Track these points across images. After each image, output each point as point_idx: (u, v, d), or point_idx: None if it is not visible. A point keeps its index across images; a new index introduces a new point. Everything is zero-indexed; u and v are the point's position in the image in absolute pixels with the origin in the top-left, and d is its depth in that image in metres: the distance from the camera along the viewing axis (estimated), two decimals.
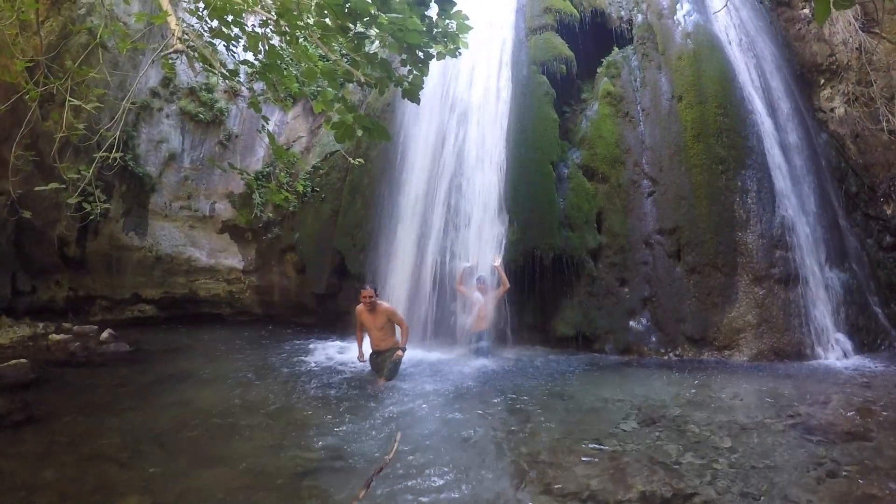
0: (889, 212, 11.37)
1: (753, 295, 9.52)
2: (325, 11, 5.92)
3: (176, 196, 13.76)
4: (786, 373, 8.45)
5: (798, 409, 6.53)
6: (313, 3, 5.90)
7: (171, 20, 6.70)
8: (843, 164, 11.86)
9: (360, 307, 8.90)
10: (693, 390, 7.52)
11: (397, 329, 8.88)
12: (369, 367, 8.88)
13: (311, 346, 11.12)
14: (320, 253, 12.81)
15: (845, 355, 9.31)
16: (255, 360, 9.99)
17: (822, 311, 9.62)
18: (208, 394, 7.75)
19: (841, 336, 9.57)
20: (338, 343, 11.22)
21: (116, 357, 10.18)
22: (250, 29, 7.65)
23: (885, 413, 6.33)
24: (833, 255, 10.32)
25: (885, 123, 11.40)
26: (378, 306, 8.81)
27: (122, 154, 9.78)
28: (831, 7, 3.71)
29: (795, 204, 10.22)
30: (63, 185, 7.78)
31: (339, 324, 12.34)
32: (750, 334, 9.37)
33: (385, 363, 8.55)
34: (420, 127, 12.18)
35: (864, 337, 9.77)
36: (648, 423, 6.18)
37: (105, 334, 11.19)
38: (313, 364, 9.61)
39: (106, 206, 11.22)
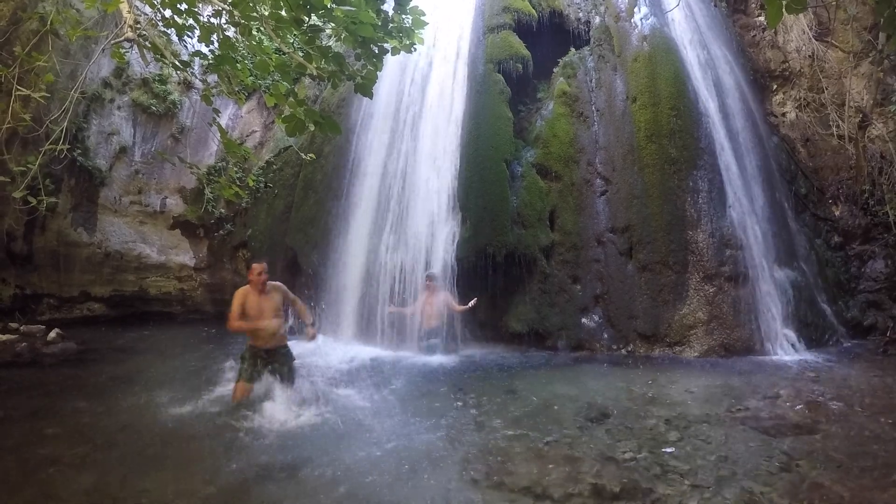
0: (837, 213, 11.64)
1: (704, 292, 9.65)
2: (280, 3, 5.85)
3: (126, 190, 13.36)
4: (736, 368, 8.58)
5: (748, 403, 6.64)
6: None
7: (124, 7, 6.55)
8: (794, 166, 12.11)
9: (243, 289, 6.97)
10: (644, 386, 7.58)
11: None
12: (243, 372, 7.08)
13: None
14: (273, 249, 12.60)
15: (794, 350, 9.55)
16: (206, 361, 9.67)
17: (772, 308, 9.84)
18: (159, 395, 7.47)
19: (790, 332, 9.79)
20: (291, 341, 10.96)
21: (64, 357, 9.84)
22: (204, 19, 7.54)
23: (833, 406, 6.48)
24: (782, 254, 10.57)
25: (834, 128, 11.70)
26: (271, 286, 7.10)
27: (69, 147, 9.58)
28: (784, 12, 3.77)
29: (746, 204, 10.41)
30: (9, 179, 7.53)
31: (294, 321, 12.09)
32: (700, 331, 9.51)
33: (285, 365, 7.09)
34: (375, 123, 12.10)
35: (813, 333, 10.02)
36: (600, 419, 6.17)
37: (53, 334, 10.88)
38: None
39: (53, 200, 10.99)
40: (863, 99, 11.36)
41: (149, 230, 13.71)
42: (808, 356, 9.25)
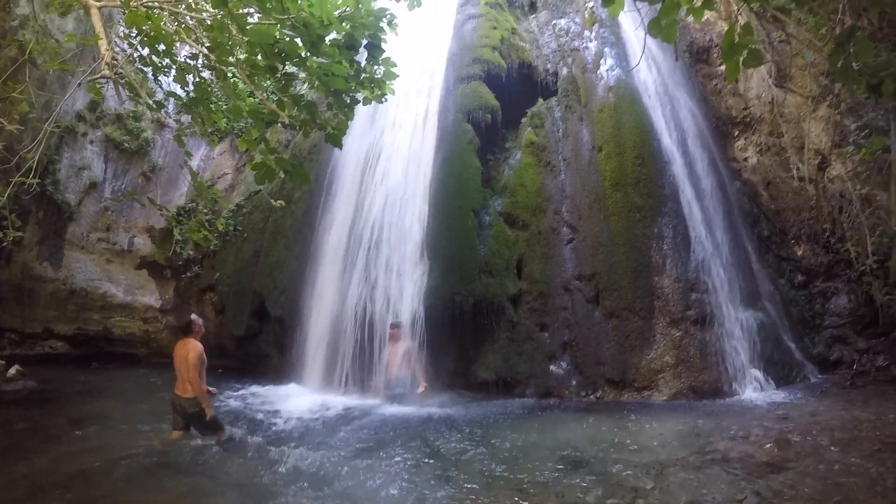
0: (800, 252, 11.87)
1: (671, 336, 9.77)
2: (256, 49, 5.89)
3: (94, 227, 13.21)
4: (705, 410, 8.67)
5: (718, 444, 6.70)
6: (245, 40, 5.84)
7: (102, 44, 6.52)
8: (756, 209, 12.37)
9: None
10: (614, 431, 7.62)
11: None
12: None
13: (227, 390, 10.71)
14: (241, 294, 12.52)
15: (762, 389, 9.65)
16: (167, 406, 9.59)
17: (738, 349, 9.97)
18: (121, 440, 7.43)
19: (757, 372, 9.90)
20: (254, 388, 10.93)
21: (24, 396, 9.75)
22: (181, 60, 7.57)
23: (802, 442, 6.56)
24: (747, 296, 10.72)
25: (795, 171, 11.97)
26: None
27: (40, 181, 9.50)
28: (741, 66, 3.91)
29: (710, 248, 10.60)
30: None
31: (258, 367, 12.06)
32: (668, 374, 9.60)
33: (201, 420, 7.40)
34: (345, 170, 12.19)
35: (780, 371, 10.14)
36: (570, 468, 6.21)
37: (12, 370, 10.67)
38: (226, 410, 9.27)
39: (19, 234, 10.86)
40: (821, 141, 11.62)
41: (115, 269, 13.52)
42: (777, 394, 9.40)
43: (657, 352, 9.74)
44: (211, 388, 7.83)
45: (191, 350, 7.38)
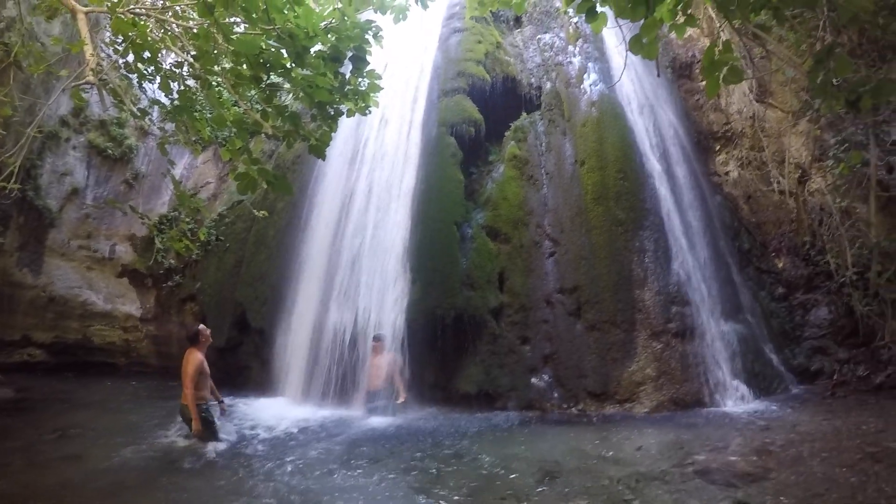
0: (780, 265, 11.99)
1: (652, 349, 9.82)
2: (241, 59, 5.90)
3: (75, 234, 13.08)
4: (686, 422, 8.69)
5: (699, 456, 6.71)
6: (230, 50, 5.85)
7: (88, 49, 6.50)
8: (737, 223, 12.49)
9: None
10: (596, 444, 7.63)
11: None
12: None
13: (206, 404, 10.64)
14: (222, 304, 12.43)
15: (743, 401, 9.69)
16: (149, 417, 9.52)
17: (719, 361, 10.04)
18: (99, 451, 7.40)
19: (738, 383, 9.96)
20: (234, 400, 10.72)
21: (1, 405, 9.64)
22: (167, 68, 7.56)
23: (783, 452, 6.62)
24: (728, 308, 10.81)
25: (775, 185, 12.09)
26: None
27: (21, 186, 9.41)
28: (721, 83, 3.97)
29: (691, 262, 10.68)
30: None
31: (239, 379, 11.91)
32: (650, 387, 9.63)
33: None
34: (328, 182, 12.18)
35: (761, 382, 10.20)
36: (551, 480, 6.21)
37: None
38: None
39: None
40: (802, 155, 11.76)
41: (96, 277, 13.39)
42: (758, 405, 9.45)
43: (639, 364, 9.77)
44: (222, 402, 8.67)
45: (190, 361, 7.91)
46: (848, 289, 10.52)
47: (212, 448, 7.64)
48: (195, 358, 7.99)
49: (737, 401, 9.67)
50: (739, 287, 11.57)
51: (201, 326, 8.42)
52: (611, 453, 7.17)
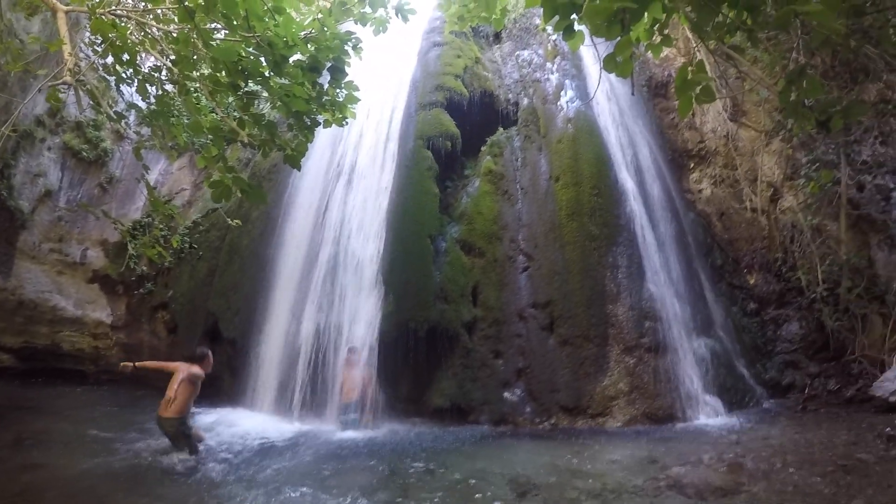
0: (752, 281, 12.17)
1: (625, 364, 9.89)
2: (220, 66, 5.87)
3: (47, 237, 12.82)
4: (659, 436, 8.75)
5: (672, 470, 6.71)
6: (209, 56, 5.82)
7: (66, 49, 6.44)
8: (710, 239, 12.66)
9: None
10: (568, 458, 7.63)
11: None
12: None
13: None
14: (194, 313, 12.29)
15: (716, 415, 9.76)
16: (115, 426, 9.38)
17: (692, 376, 10.11)
18: (66, 460, 7.29)
19: (710, 397, 10.02)
20: (205, 411, 10.55)
21: None
22: (145, 71, 7.49)
23: (755, 465, 6.64)
24: (700, 323, 10.92)
25: (748, 202, 12.31)
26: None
27: None
28: (694, 102, 4.02)
29: (664, 277, 10.82)
30: None
31: (210, 389, 11.59)
32: (623, 401, 9.68)
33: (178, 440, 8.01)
34: (303, 193, 12.15)
35: (733, 396, 10.29)
36: (523, 494, 6.21)
37: None
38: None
39: None
40: (774, 174, 11.98)
41: (66, 281, 13.15)
42: (730, 419, 9.53)
43: (611, 379, 9.83)
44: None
45: (193, 375, 8.15)
46: (819, 304, 10.75)
47: (179, 460, 7.57)
48: (199, 373, 8.27)
49: (709, 415, 9.74)
50: (712, 303, 11.70)
51: (209, 350, 8.72)
52: (583, 467, 7.18)
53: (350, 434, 9.33)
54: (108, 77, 8.82)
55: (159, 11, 7.46)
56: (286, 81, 6.08)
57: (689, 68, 3.95)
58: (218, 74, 6.21)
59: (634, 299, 10.24)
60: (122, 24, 6.71)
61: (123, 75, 7.21)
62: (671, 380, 9.85)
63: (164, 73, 7.61)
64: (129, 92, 9.75)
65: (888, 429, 7.35)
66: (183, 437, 7.91)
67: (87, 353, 13.45)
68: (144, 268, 13.15)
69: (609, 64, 3.77)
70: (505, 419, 10.01)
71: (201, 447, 8.14)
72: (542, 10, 3.68)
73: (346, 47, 6.54)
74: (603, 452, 7.87)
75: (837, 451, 6.93)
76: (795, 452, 7.02)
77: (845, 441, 7.34)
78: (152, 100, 7.37)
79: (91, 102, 8.15)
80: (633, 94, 10.74)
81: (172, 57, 6.97)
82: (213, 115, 7.32)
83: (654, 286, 10.46)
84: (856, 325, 10.30)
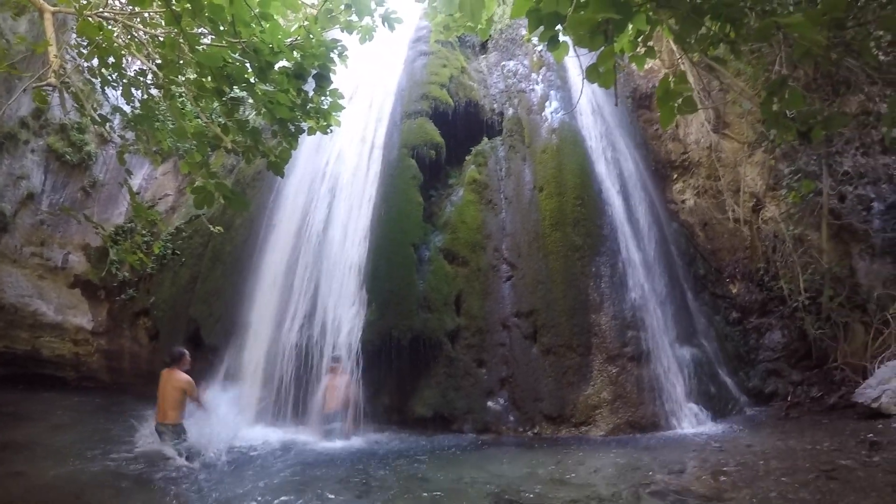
0: (735, 290, 12.28)
1: (607, 373, 9.92)
2: (205, 71, 5.85)
3: (28, 240, 12.67)
4: (642, 444, 8.77)
5: (655, 478, 6.75)
6: (194, 61, 5.80)
7: (52, 51, 6.38)
8: (692, 249, 12.77)
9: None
10: (552, 467, 7.61)
11: None
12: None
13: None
14: (175, 320, 12.17)
15: (699, 423, 9.81)
16: (95, 433, 9.33)
17: (675, 384, 10.17)
18: (46, 468, 7.19)
19: (693, 406, 10.09)
20: (186, 418, 10.55)
21: None
22: (131, 75, 7.45)
23: (738, 473, 6.67)
24: (683, 332, 11.01)
25: (730, 213, 12.41)
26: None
27: None
28: (675, 113, 4.05)
29: (647, 287, 10.87)
30: None
31: None
32: (606, 410, 9.70)
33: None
34: (287, 200, 12.11)
35: (716, 404, 10.36)
36: None
37: None
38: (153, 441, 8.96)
39: None
40: (756, 185, 12.11)
41: (48, 286, 12.98)
42: (713, 427, 9.59)
43: (594, 388, 9.86)
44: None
45: (181, 380, 8.32)
46: (801, 313, 10.87)
47: (179, 465, 7.63)
48: (187, 378, 8.42)
49: (692, 423, 9.81)
50: (695, 312, 11.81)
51: (185, 350, 8.83)
52: (567, 476, 7.17)
53: (333, 443, 9.27)
54: (93, 80, 8.78)
55: (146, 15, 7.42)
56: (271, 88, 6.09)
57: (671, 79, 3.98)
58: (203, 80, 6.19)
59: (617, 309, 10.29)
60: (109, 27, 6.68)
61: (109, 78, 7.19)
62: (654, 388, 9.91)
63: (149, 77, 7.57)
64: (115, 95, 9.70)
65: (870, 435, 7.44)
66: (183, 441, 8.07)
67: (67, 360, 13.29)
68: (126, 273, 12.99)
69: (592, 74, 3.79)
70: (488, 428, 10.01)
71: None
72: (527, 20, 3.70)
73: (331, 55, 6.56)
74: (586, 461, 7.87)
75: (820, 457, 6.98)
76: (778, 459, 7.07)
77: (828, 447, 7.40)
78: (137, 104, 7.34)
79: (75, 104, 8.09)
80: (616, 104, 10.80)
81: (158, 61, 6.96)
82: (198, 120, 7.31)
83: (636, 296, 10.52)
84: (838, 333, 10.44)
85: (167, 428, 8.12)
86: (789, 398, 10.63)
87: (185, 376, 8.43)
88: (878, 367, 9.30)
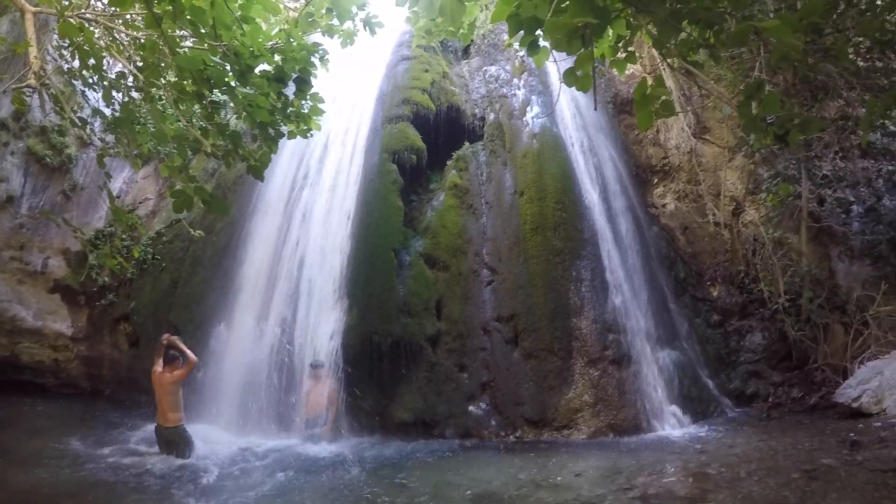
0: (715, 293, 12.39)
1: (589, 376, 9.98)
2: (185, 74, 5.82)
3: (8, 244, 12.40)
4: (624, 447, 8.84)
5: (637, 480, 6.79)
6: (175, 64, 5.77)
7: (32, 52, 6.32)
8: (673, 253, 12.87)
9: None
10: (534, 471, 7.65)
11: None
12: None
13: (140, 429, 10.23)
14: (156, 326, 11.96)
15: (681, 425, 9.91)
16: (74, 440, 9.26)
17: (656, 387, 10.29)
18: (25, 476, 7.14)
19: (675, 408, 10.19)
20: None
21: None
22: (111, 77, 7.40)
23: (720, 474, 6.71)
24: (664, 335, 11.10)
25: (711, 217, 12.54)
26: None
27: None
28: (654, 117, 4.08)
29: (627, 291, 10.98)
30: None
31: None
32: (587, 413, 9.75)
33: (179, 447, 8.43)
34: (268, 205, 12.09)
35: (698, 407, 10.45)
36: None
37: None
38: (131, 449, 9.03)
39: None
40: (736, 189, 12.25)
41: (27, 291, 12.76)
42: (695, 429, 9.66)
43: (576, 391, 9.91)
44: None
45: (175, 377, 8.63)
46: (781, 315, 10.97)
47: (179, 465, 7.87)
48: (175, 374, 8.70)
49: (674, 425, 9.90)
50: (675, 315, 11.90)
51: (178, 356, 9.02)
52: (549, 480, 7.22)
53: (315, 449, 9.24)
54: (73, 82, 8.72)
55: (128, 17, 7.38)
56: (251, 91, 6.08)
57: (649, 83, 4.01)
58: (184, 83, 6.17)
59: (598, 312, 10.36)
60: (90, 29, 6.64)
61: (89, 80, 7.14)
62: (635, 391, 10.00)
63: (130, 79, 7.53)
64: (95, 98, 9.62)
65: (851, 434, 7.51)
66: (184, 442, 8.35)
67: (46, 366, 13.06)
68: (106, 279, 12.82)
69: (569, 78, 3.81)
70: (470, 433, 10.04)
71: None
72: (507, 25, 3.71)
73: (312, 59, 6.56)
74: (568, 464, 7.92)
75: (802, 457, 7.04)
76: (760, 460, 7.13)
77: (809, 447, 7.47)
78: (118, 106, 7.29)
79: (55, 107, 8.02)
80: (595, 108, 10.87)
81: (139, 63, 6.92)
82: (179, 123, 7.28)
83: (617, 299, 10.63)
84: (818, 334, 10.56)
85: (169, 431, 8.33)
86: (770, 399, 10.75)
87: (176, 372, 8.70)
88: (858, 368, 9.44)
